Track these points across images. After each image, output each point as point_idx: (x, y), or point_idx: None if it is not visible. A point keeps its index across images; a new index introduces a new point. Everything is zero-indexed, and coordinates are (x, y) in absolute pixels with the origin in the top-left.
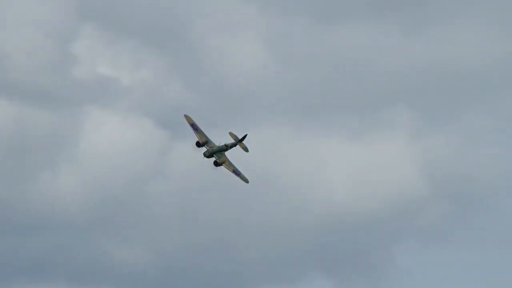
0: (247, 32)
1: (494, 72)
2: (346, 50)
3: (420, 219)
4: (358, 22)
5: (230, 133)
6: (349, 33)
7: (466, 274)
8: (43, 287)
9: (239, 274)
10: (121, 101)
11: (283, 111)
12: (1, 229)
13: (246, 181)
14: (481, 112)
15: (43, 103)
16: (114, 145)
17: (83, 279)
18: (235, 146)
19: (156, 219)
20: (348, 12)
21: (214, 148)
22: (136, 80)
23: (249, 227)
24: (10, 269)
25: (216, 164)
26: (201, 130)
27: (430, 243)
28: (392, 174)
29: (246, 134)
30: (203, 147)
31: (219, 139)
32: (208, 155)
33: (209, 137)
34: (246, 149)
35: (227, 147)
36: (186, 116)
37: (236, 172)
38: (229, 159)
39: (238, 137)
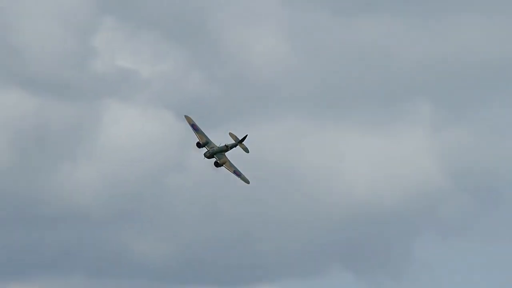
0: (267, 24)
1: None
2: (367, 42)
3: (440, 212)
4: (379, 14)
5: (230, 134)
6: (370, 25)
7: (486, 267)
8: (61, 279)
9: (260, 268)
10: (141, 93)
11: (304, 104)
12: (20, 221)
13: (247, 181)
14: (502, 104)
15: (64, 95)
16: (134, 138)
17: (101, 271)
18: (236, 146)
19: (175, 212)
20: (369, 4)
21: (215, 149)
22: (155, 73)
23: (270, 221)
24: (29, 261)
25: (217, 164)
26: (201, 131)
27: (450, 236)
28: (412, 166)
29: (246, 135)
30: (204, 148)
31: (219, 140)
32: (208, 155)
33: (209, 137)
34: (246, 150)
35: (227, 147)
36: (186, 117)
37: (236, 172)
38: (230, 160)
39: (239, 137)
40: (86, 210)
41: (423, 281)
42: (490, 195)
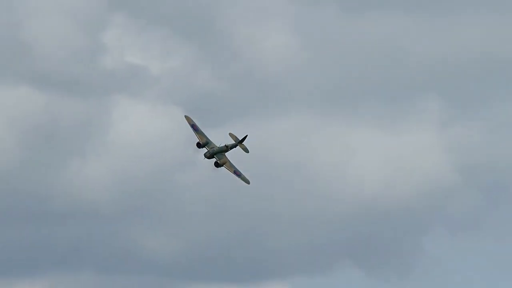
0: (276, 20)
1: None
2: (375, 38)
3: (450, 208)
4: (387, 10)
5: (230, 134)
6: (378, 21)
7: (496, 263)
8: (71, 275)
9: (270, 264)
10: (150, 89)
11: (312, 100)
12: (30, 217)
13: (247, 182)
14: None
15: (73, 92)
16: (143, 134)
17: (110, 267)
18: (235, 147)
19: (184, 208)
20: (377, 0)
21: (215, 149)
22: (165, 69)
23: (279, 217)
24: (38, 258)
25: (217, 165)
26: (201, 131)
27: (459, 232)
28: (421, 163)
29: (246, 135)
30: (204, 148)
31: (219, 140)
32: (209, 156)
33: (209, 138)
34: (246, 150)
35: (227, 148)
36: (186, 117)
37: (237, 172)
38: (231, 160)
39: (238, 138)
40: (95, 206)
41: (433, 277)
42: (499, 191)
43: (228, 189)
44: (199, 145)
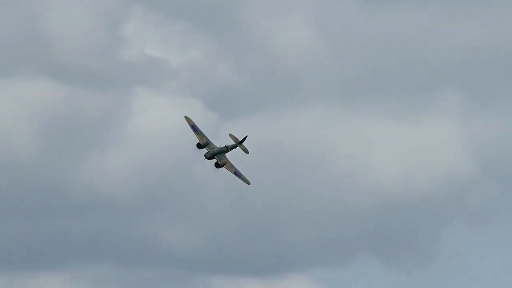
0: (295, 13)
1: None
2: (395, 31)
3: (469, 200)
4: (407, 3)
5: (230, 135)
6: (399, 14)
7: None
8: (90, 268)
9: (288, 257)
10: (170, 82)
11: (332, 93)
12: (50, 210)
13: (248, 182)
14: None
15: (93, 84)
16: (163, 126)
17: (130, 260)
18: (235, 147)
19: (204, 201)
20: None
21: (215, 150)
22: (184, 62)
23: (298, 210)
24: (58, 251)
25: (217, 165)
26: (201, 132)
27: (478, 225)
28: (441, 155)
29: (246, 136)
30: (204, 149)
31: (219, 141)
32: (209, 156)
33: (209, 138)
34: (246, 151)
35: (227, 148)
36: (186, 118)
37: (237, 173)
38: (229, 161)
39: (238, 138)
40: (115, 199)
41: (452, 269)
42: None
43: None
44: (199, 146)
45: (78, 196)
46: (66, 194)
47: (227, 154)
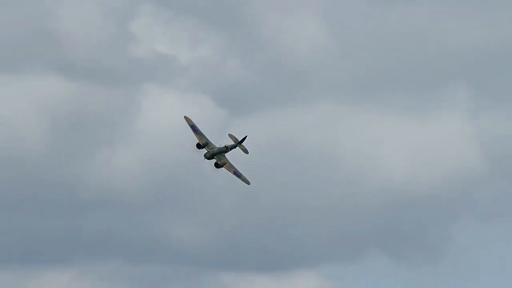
0: (305, 10)
1: None
2: (404, 27)
3: (478, 197)
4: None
5: (230, 135)
6: (408, 10)
7: None
8: (101, 265)
9: (298, 253)
10: (179, 78)
11: (341, 90)
12: (59, 206)
13: (247, 182)
14: None
15: (102, 81)
16: (172, 123)
17: (140, 256)
18: (235, 148)
19: (213, 198)
20: None
21: (215, 150)
22: (194, 58)
23: (308, 206)
24: (68, 247)
25: (217, 165)
26: (201, 132)
27: (488, 221)
28: (450, 152)
29: (246, 136)
30: (204, 149)
31: (219, 141)
32: (209, 156)
33: (209, 138)
34: (246, 151)
35: (227, 148)
36: (186, 118)
37: (237, 173)
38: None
39: (238, 139)
40: (124, 195)
41: (461, 266)
42: None
43: (258, 177)
44: (199, 146)
45: (87, 193)
46: (75, 191)
47: (226, 154)
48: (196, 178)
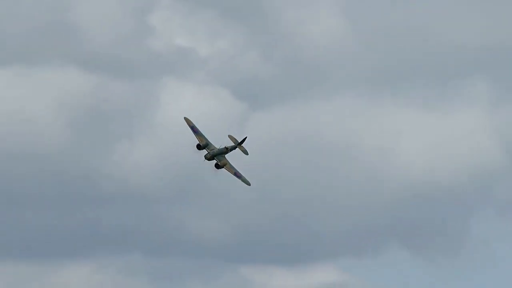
0: (324, 3)
1: None
2: (424, 21)
3: (497, 190)
4: None
5: (230, 136)
6: (428, 4)
7: None
8: (117, 258)
9: (317, 247)
10: (198, 71)
11: (360, 83)
12: (79, 199)
13: (248, 183)
14: None
15: (121, 74)
16: (191, 116)
17: (159, 250)
18: (235, 149)
19: (232, 192)
20: None
21: (215, 151)
22: (213, 51)
23: (327, 200)
24: (86, 240)
25: (217, 166)
26: (201, 133)
27: (507, 214)
28: (470, 144)
29: (246, 137)
30: (204, 150)
31: (218, 142)
32: (209, 157)
33: (208, 139)
34: (245, 152)
35: (227, 149)
36: (186, 119)
37: (237, 174)
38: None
39: (238, 140)
40: (143, 188)
41: (480, 259)
42: None
43: (273, 172)
44: (199, 147)
45: (106, 186)
46: (95, 184)
47: (226, 155)
48: (215, 172)
